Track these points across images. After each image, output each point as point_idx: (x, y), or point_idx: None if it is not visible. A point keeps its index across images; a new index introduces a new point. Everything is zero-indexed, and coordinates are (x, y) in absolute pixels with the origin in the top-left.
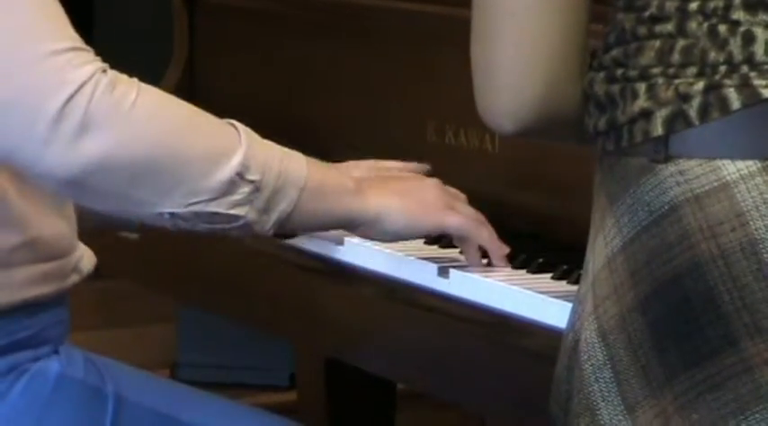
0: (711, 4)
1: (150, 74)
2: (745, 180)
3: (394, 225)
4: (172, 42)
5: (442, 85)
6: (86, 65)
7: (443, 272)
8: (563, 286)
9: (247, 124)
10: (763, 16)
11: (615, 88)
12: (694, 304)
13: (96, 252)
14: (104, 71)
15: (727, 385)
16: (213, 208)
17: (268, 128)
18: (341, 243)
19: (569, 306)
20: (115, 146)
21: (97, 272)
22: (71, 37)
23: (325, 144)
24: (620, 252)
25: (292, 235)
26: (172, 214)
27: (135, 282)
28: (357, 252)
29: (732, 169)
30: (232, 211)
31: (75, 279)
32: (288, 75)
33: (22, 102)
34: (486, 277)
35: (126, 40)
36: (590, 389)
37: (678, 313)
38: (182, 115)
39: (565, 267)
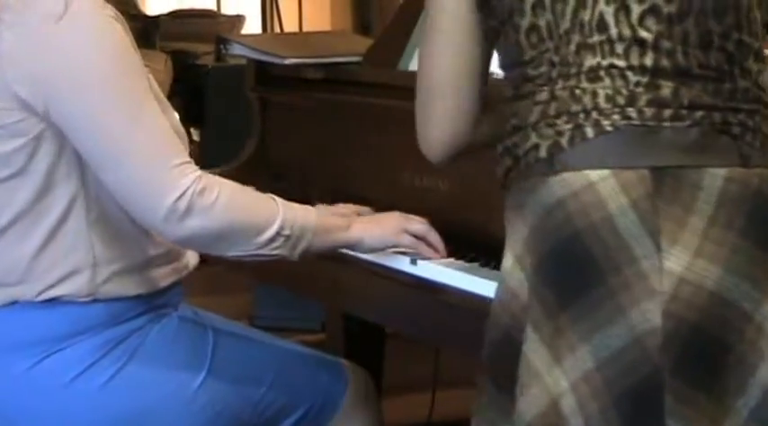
0: (569, 82)
1: (237, 144)
2: (603, 180)
3: (370, 244)
4: (250, 127)
5: (416, 151)
6: (191, 174)
7: (413, 262)
8: (484, 271)
9: (293, 171)
10: (599, 83)
11: (517, 139)
12: (578, 259)
13: None
14: (200, 178)
15: (600, 305)
16: (261, 251)
17: (306, 174)
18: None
19: (485, 281)
20: (204, 226)
21: (204, 262)
22: (183, 153)
23: (341, 184)
24: (528, 236)
25: None
26: (236, 256)
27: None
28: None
29: (594, 175)
30: (273, 253)
31: (185, 272)
32: (322, 146)
33: (153, 195)
34: (436, 264)
35: (223, 125)
36: (525, 315)
37: (567, 265)
38: (244, 201)
39: (484, 260)
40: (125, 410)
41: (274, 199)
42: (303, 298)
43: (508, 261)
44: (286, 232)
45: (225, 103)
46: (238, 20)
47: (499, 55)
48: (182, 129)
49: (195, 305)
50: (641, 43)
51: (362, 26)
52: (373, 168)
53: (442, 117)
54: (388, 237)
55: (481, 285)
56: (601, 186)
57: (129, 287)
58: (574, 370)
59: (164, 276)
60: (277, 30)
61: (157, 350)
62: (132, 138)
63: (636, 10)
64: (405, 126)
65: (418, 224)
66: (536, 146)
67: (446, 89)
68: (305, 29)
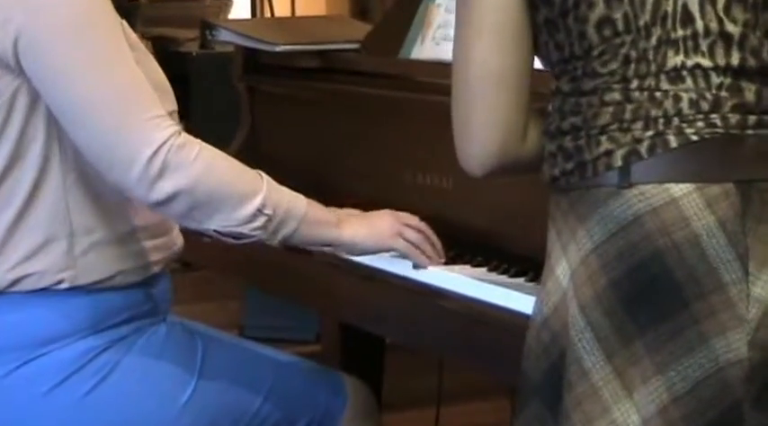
0: (646, 82)
1: (224, 139)
2: (686, 196)
3: (359, 246)
4: (239, 117)
5: (418, 147)
6: (168, 128)
7: (416, 266)
8: (492, 277)
9: (285, 166)
10: (681, 85)
11: (581, 142)
12: (658, 281)
13: (189, 251)
14: (179, 133)
15: (682, 334)
16: (240, 229)
17: (300, 169)
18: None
19: (493, 287)
20: (181, 186)
21: (189, 266)
22: (158, 107)
23: (343, 184)
24: (592, 252)
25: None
26: (215, 230)
27: (216, 272)
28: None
29: (677, 189)
30: (252, 233)
31: (173, 251)
32: (317, 140)
33: (125, 149)
34: (441, 269)
35: (209, 117)
36: (575, 347)
37: (645, 288)
38: (226, 166)
39: (492, 264)
40: (106, 424)
41: (260, 175)
42: (296, 306)
43: (563, 273)
44: (268, 211)
45: (211, 94)
46: (225, 3)
47: (548, 48)
48: (166, 84)
49: (179, 313)
50: (727, 38)
51: (360, 10)
52: (372, 164)
53: (485, 123)
54: (381, 241)
55: (489, 291)
56: (684, 202)
57: (110, 261)
58: (647, 405)
59: (149, 251)
60: (267, 14)
61: (143, 360)
62: (101, 89)
63: None
64: (406, 118)
65: (413, 231)
66: (608, 153)
67: (490, 91)
68: (298, 13)
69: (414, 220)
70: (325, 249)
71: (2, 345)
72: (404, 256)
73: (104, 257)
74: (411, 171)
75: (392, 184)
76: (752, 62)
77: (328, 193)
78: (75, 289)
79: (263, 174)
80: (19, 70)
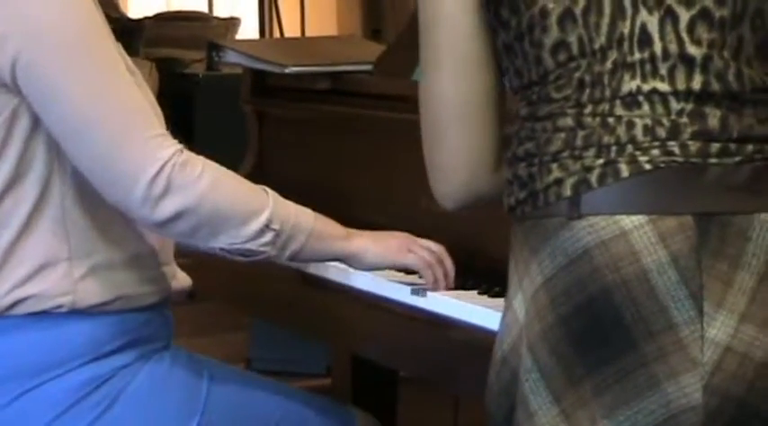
0: (600, 107)
1: (231, 164)
2: (637, 228)
3: (368, 260)
4: (247, 142)
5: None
6: (170, 147)
7: (417, 292)
8: (486, 301)
9: (295, 194)
10: (637, 111)
11: (534, 169)
12: (605, 319)
13: (192, 281)
14: (181, 151)
15: (631, 376)
16: (247, 246)
17: (311, 196)
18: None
19: (499, 316)
20: (185, 206)
21: (192, 296)
22: (160, 125)
23: (350, 207)
24: (541, 286)
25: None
26: (221, 248)
27: (221, 303)
28: (368, 284)
29: (627, 221)
30: (260, 249)
31: (176, 284)
32: (328, 166)
33: (127, 167)
34: (456, 299)
35: (215, 142)
36: (522, 387)
37: (593, 326)
38: (231, 183)
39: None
40: None
41: (266, 191)
42: (305, 338)
43: (519, 307)
44: (275, 226)
45: (217, 118)
46: (233, 23)
47: (509, 74)
48: (158, 108)
49: (183, 346)
50: (689, 62)
51: (373, 30)
52: (387, 191)
53: (449, 158)
54: (391, 255)
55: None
56: (635, 235)
57: (110, 286)
58: None
59: (150, 280)
60: (276, 34)
61: (146, 392)
62: (101, 107)
63: (684, 17)
64: (419, 142)
65: (425, 249)
66: (558, 182)
67: (451, 124)
68: (308, 33)
69: (433, 245)
70: (334, 264)
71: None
72: (417, 282)
73: (104, 281)
74: (427, 197)
75: (407, 211)
76: (716, 86)
77: (341, 221)
78: (73, 313)
79: (269, 190)
80: (17, 90)
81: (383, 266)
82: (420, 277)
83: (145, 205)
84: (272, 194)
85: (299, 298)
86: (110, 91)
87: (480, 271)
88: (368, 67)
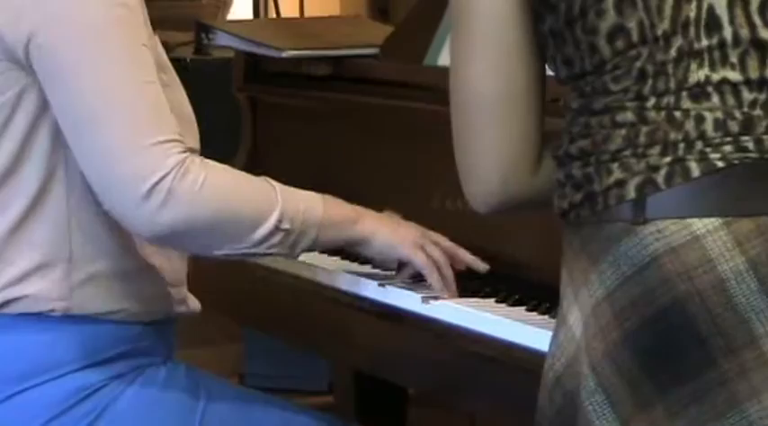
0: (664, 100)
1: (223, 157)
2: (711, 233)
3: (378, 246)
4: (240, 132)
5: (447, 167)
6: (176, 155)
7: (425, 300)
8: (531, 316)
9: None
10: (706, 103)
11: (590, 169)
12: (678, 333)
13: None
14: (185, 159)
15: (708, 396)
16: (254, 250)
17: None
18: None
19: (531, 328)
20: (185, 218)
21: None
22: (172, 130)
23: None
24: (604, 299)
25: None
26: (225, 254)
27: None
28: (382, 295)
29: (700, 225)
30: (269, 251)
31: (183, 309)
32: (329, 159)
33: (126, 169)
34: (469, 307)
35: (205, 133)
36: (585, 411)
37: (665, 342)
38: (235, 189)
39: (531, 303)
40: None
41: (273, 187)
42: (305, 353)
43: (575, 323)
44: (285, 225)
45: (207, 106)
46: (224, 2)
47: (555, 63)
48: (191, 116)
49: (184, 358)
50: (762, 47)
51: (379, 10)
52: (395, 188)
53: (482, 157)
54: (400, 247)
55: (526, 333)
56: (709, 240)
57: (108, 297)
58: None
59: (152, 298)
60: (272, 14)
61: (138, 405)
62: (107, 103)
63: None
64: (432, 134)
65: (438, 250)
66: (620, 183)
67: (486, 121)
68: (307, 14)
69: (443, 240)
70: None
71: None
72: (422, 285)
73: (103, 292)
74: (439, 194)
75: (418, 210)
76: None
77: None
78: (66, 318)
79: (275, 183)
80: (29, 68)
81: (391, 256)
82: (422, 278)
83: (139, 214)
84: (279, 189)
85: (296, 308)
86: (120, 88)
87: (499, 277)
88: (373, 51)
